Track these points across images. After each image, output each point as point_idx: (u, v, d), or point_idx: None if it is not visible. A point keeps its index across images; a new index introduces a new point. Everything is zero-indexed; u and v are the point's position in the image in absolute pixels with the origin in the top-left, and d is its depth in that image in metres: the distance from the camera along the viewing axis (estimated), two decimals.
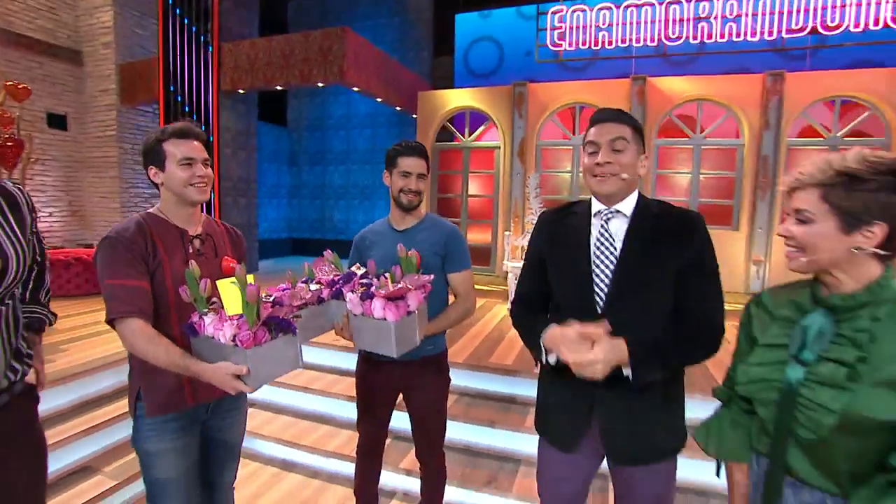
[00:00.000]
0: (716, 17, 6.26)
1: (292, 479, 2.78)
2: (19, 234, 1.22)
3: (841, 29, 5.76)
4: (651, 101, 6.27)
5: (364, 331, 1.48)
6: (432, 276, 1.55)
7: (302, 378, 3.51)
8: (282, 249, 11.09)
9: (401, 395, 1.92)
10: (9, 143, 4.85)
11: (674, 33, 6.47)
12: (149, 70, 6.98)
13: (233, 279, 1.22)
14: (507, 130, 6.93)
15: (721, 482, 1.19)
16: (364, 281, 1.55)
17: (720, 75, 6.30)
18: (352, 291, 1.50)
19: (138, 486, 2.54)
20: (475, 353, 3.57)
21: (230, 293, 1.21)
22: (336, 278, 1.61)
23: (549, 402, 1.42)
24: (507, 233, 5.91)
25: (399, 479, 2.64)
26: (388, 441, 2.32)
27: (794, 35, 6.04)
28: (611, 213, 1.30)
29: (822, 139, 5.88)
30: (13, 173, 5.06)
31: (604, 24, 6.77)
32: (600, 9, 6.78)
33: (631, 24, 6.63)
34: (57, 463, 2.38)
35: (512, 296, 5.01)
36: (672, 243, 1.24)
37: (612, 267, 1.26)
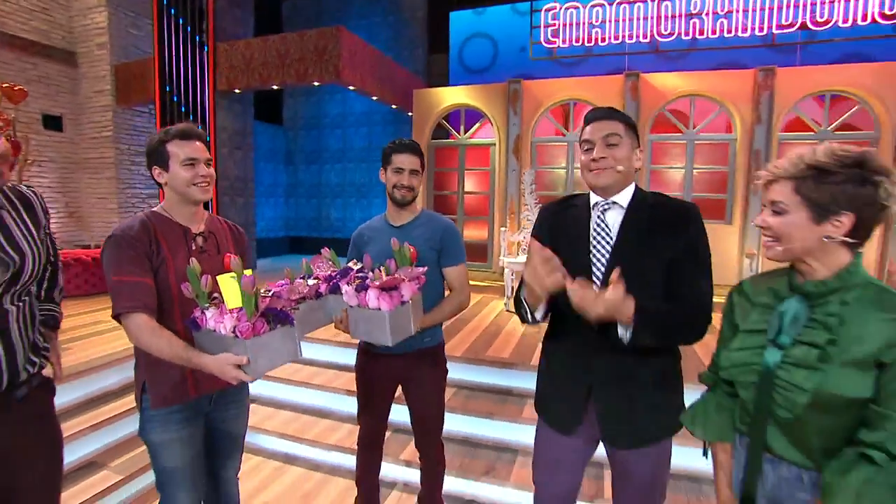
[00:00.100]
0: (707, 14, 6.33)
1: (295, 472, 2.83)
2: (34, 234, 1.29)
3: (830, 24, 5.85)
4: (644, 97, 6.33)
5: (360, 321, 1.53)
6: (426, 268, 1.61)
7: (303, 374, 3.56)
8: (279, 248, 11.12)
9: (400, 389, 1.97)
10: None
11: (666, 29, 6.54)
12: (144, 70, 6.99)
13: (232, 274, 1.26)
14: (503, 127, 6.98)
15: (710, 465, 1.24)
16: (360, 275, 1.60)
17: (712, 71, 6.37)
18: (347, 284, 1.55)
19: (144, 481, 2.60)
20: (473, 347, 3.63)
21: (230, 288, 1.26)
22: (333, 273, 1.66)
23: (548, 391, 1.48)
24: (503, 229, 5.96)
25: (399, 470, 2.70)
26: (388, 434, 2.38)
27: (784, 31, 6.11)
28: (607, 204, 1.35)
29: (812, 133, 5.96)
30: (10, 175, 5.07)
31: (597, 21, 6.83)
32: (593, 6, 6.84)
33: (623, 20, 6.70)
34: (64, 458, 2.42)
35: (509, 291, 5.07)
36: (667, 233, 1.28)
37: (608, 256, 1.31)
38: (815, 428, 0.98)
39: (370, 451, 2.04)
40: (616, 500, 1.46)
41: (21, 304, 1.26)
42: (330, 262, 1.72)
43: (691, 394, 1.30)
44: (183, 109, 6.87)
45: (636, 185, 1.37)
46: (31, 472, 1.30)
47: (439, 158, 7.56)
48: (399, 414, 2.15)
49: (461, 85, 7.73)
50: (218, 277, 1.27)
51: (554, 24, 7.01)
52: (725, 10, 6.26)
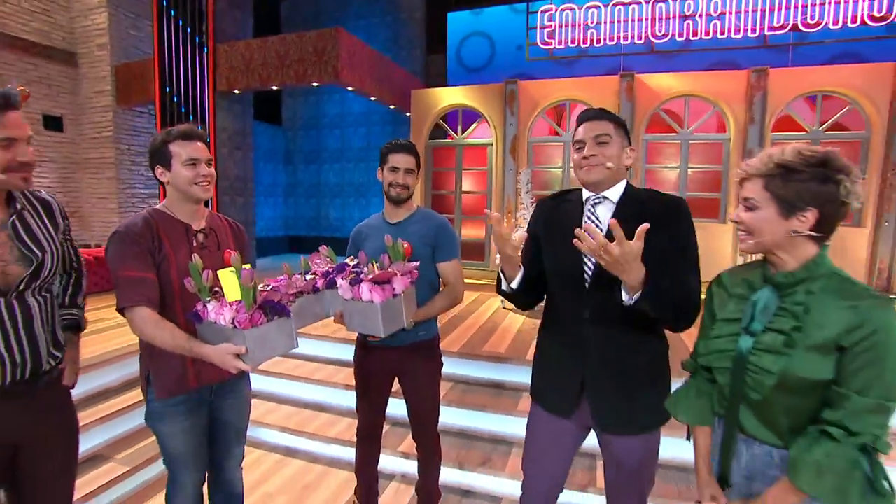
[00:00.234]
0: (701, 15, 6.42)
1: (295, 465, 2.90)
2: (53, 235, 1.39)
3: (820, 26, 5.94)
4: (639, 97, 6.40)
5: (354, 314, 1.60)
6: (418, 263, 1.67)
7: (303, 369, 3.63)
8: (279, 247, 11.18)
9: (397, 383, 2.02)
10: None
11: (660, 31, 6.62)
12: (144, 71, 7.04)
13: (231, 269, 1.31)
14: (499, 127, 7.04)
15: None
16: (355, 270, 1.66)
17: (706, 71, 6.44)
18: (342, 278, 1.61)
19: (149, 473, 2.67)
20: (469, 343, 3.70)
21: (230, 281, 1.31)
22: (330, 269, 1.71)
23: (543, 381, 1.55)
24: None
25: (397, 461, 2.77)
26: (386, 427, 2.43)
27: (776, 32, 6.20)
28: (598, 199, 1.41)
29: (804, 133, 6.04)
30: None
31: (592, 22, 6.91)
32: (588, 7, 6.92)
33: (619, 21, 6.78)
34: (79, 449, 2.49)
35: None
36: (657, 228, 1.32)
37: None
38: (782, 408, 1.05)
39: (368, 443, 2.10)
40: (607, 485, 1.53)
41: (42, 299, 1.33)
42: (328, 259, 1.78)
43: (679, 385, 1.37)
44: (183, 110, 6.92)
45: (627, 182, 1.43)
46: (50, 461, 1.37)
47: (437, 158, 7.62)
48: (397, 408, 2.21)
49: (459, 85, 7.79)
50: (219, 272, 1.32)
51: (550, 25, 7.09)
52: (719, 11, 6.35)
